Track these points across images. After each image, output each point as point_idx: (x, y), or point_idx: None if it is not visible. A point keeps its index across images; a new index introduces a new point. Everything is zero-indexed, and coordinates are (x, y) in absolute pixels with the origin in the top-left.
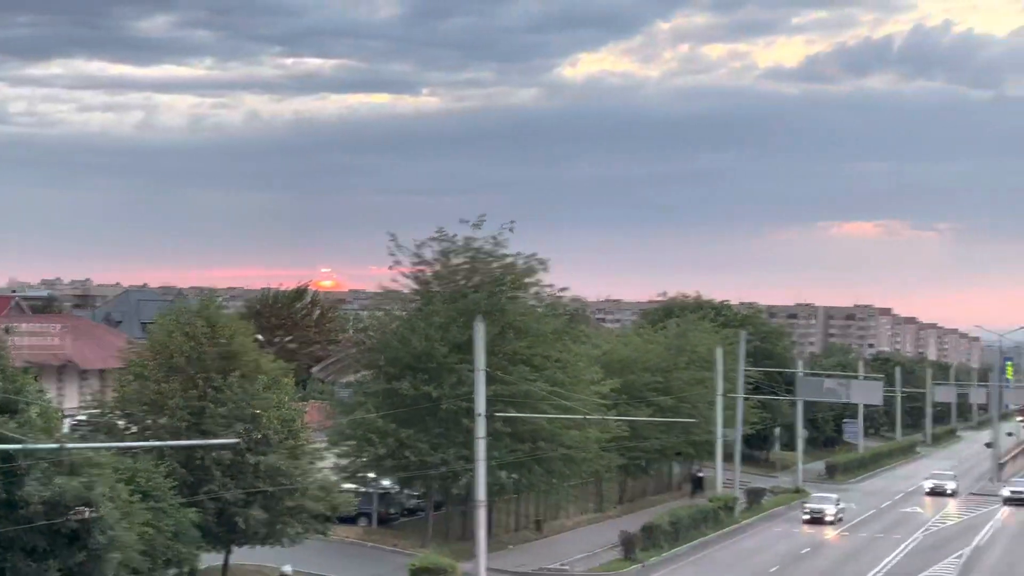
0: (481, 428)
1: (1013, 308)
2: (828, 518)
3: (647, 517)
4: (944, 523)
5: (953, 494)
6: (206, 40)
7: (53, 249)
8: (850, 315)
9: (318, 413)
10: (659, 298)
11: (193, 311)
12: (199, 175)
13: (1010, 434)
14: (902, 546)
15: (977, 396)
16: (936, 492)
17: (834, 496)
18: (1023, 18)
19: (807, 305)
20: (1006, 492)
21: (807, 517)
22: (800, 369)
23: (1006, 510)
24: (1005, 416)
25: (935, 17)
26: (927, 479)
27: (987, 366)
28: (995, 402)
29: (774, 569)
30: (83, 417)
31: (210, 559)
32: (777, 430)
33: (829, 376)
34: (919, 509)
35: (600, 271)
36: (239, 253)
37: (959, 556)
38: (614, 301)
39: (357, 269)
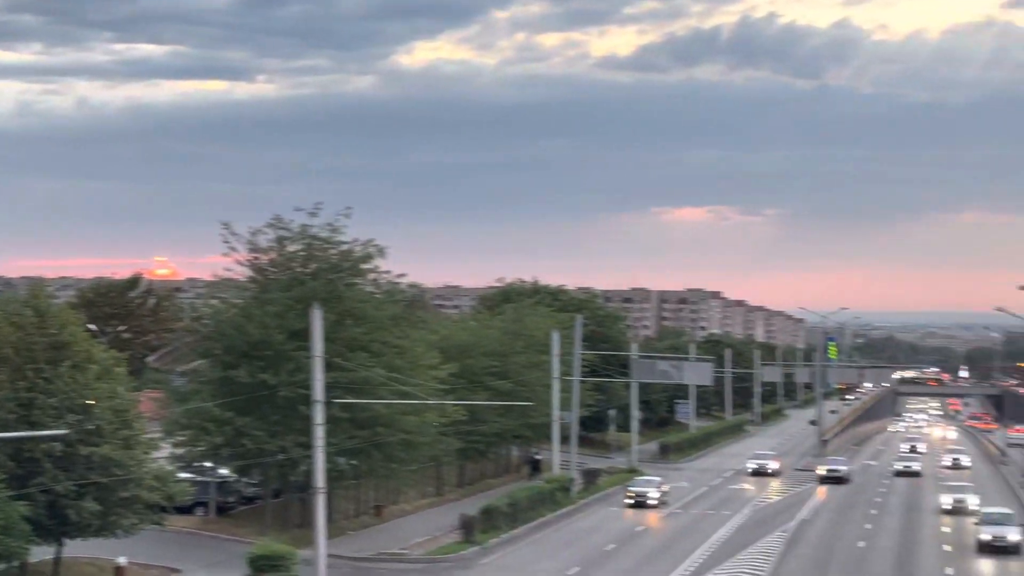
0: (319, 415)
1: (835, 290)
2: (651, 501)
3: (486, 500)
4: (770, 499)
5: (775, 474)
6: (33, 25)
7: None
8: (683, 299)
9: (153, 403)
10: (497, 284)
11: (21, 301)
12: (27, 162)
13: (833, 412)
14: (732, 522)
15: (802, 375)
16: (759, 472)
17: (657, 479)
18: (843, 11)
19: (641, 289)
20: (822, 471)
21: (630, 501)
22: (634, 352)
23: (823, 488)
24: (828, 394)
25: (761, 9)
26: (750, 460)
27: (811, 346)
28: (819, 381)
29: (611, 547)
30: None
31: (41, 552)
32: (612, 412)
33: (662, 358)
34: (747, 486)
35: (440, 257)
36: (71, 242)
37: (785, 530)
38: (453, 287)
39: (194, 258)
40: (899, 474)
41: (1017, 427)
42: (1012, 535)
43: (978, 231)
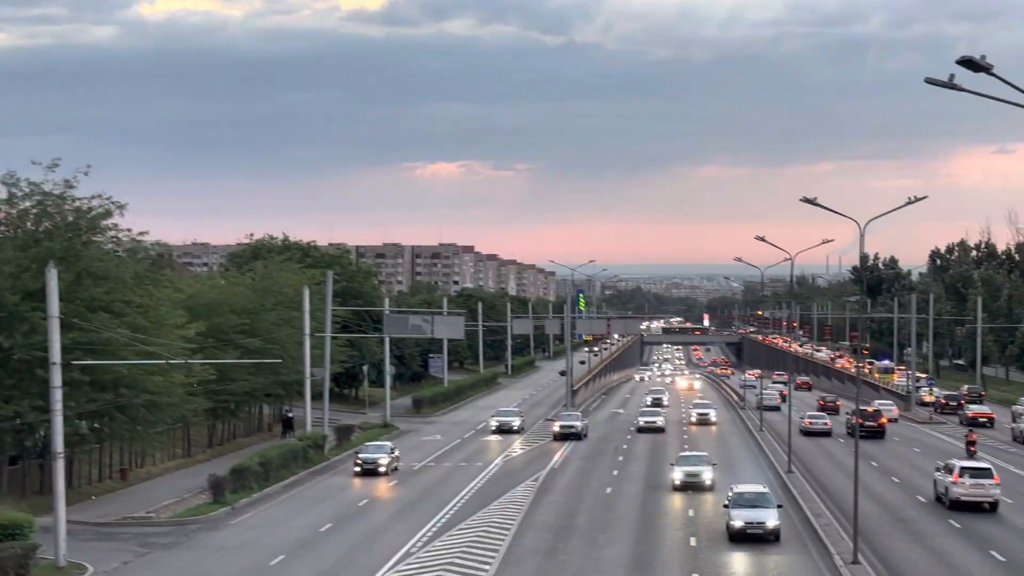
0: (56, 377)
1: (585, 243)
2: (381, 468)
3: (237, 459)
4: (519, 451)
5: (520, 430)
6: None
7: None
8: (436, 253)
9: None
10: (246, 240)
11: None
12: None
13: (583, 362)
14: (485, 472)
15: (553, 327)
16: (502, 430)
17: (388, 444)
18: None
19: (394, 245)
20: (555, 428)
21: (358, 469)
22: (387, 307)
23: (559, 445)
24: (578, 346)
25: None
26: (493, 417)
27: (562, 299)
28: (568, 333)
29: (364, 503)
30: None
31: None
32: (366, 367)
33: (414, 313)
34: (498, 438)
35: (186, 214)
36: None
37: (536, 479)
38: (201, 244)
39: None
40: (641, 430)
41: (752, 371)
42: (770, 520)
43: (719, 184)
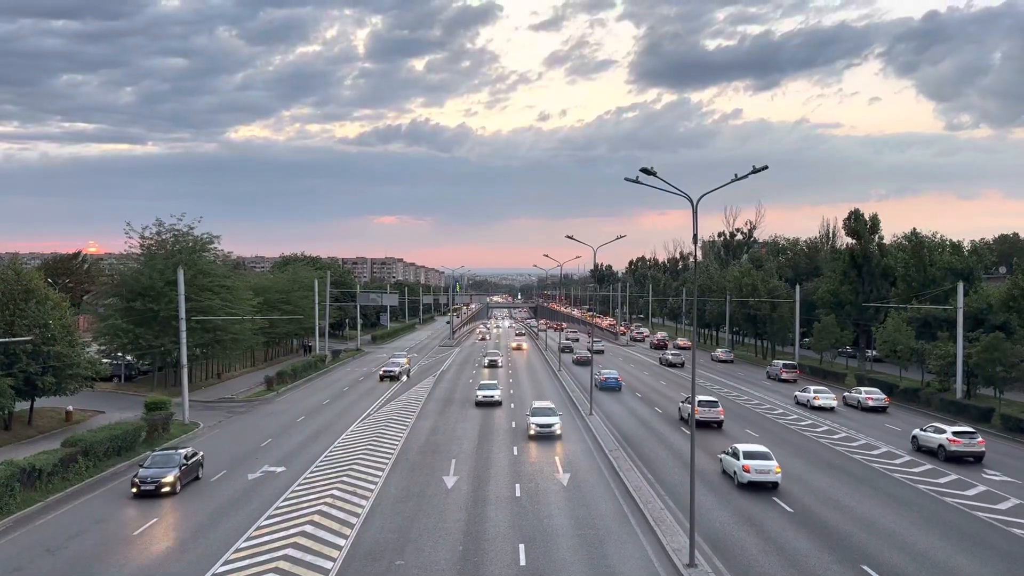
0: (183, 325)
1: (460, 257)
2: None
3: (279, 368)
4: (421, 363)
5: (401, 375)
6: (13, 112)
7: None
8: (383, 262)
9: (87, 321)
10: (283, 255)
11: (6, 265)
12: (9, 188)
13: (456, 317)
14: (415, 366)
15: (442, 299)
16: (388, 376)
17: (403, 355)
18: None
19: (361, 257)
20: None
21: (382, 373)
22: (358, 289)
23: (449, 352)
24: (455, 309)
25: None
26: (391, 359)
27: (447, 285)
28: (450, 301)
29: (346, 388)
30: None
31: (23, 406)
32: (347, 320)
33: (373, 291)
34: (415, 354)
35: (250, 241)
36: (35, 230)
37: (434, 375)
38: (259, 256)
39: (112, 239)
40: (488, 367)
41: (543, 320)
42: (556, 427)
43: (526, 228)
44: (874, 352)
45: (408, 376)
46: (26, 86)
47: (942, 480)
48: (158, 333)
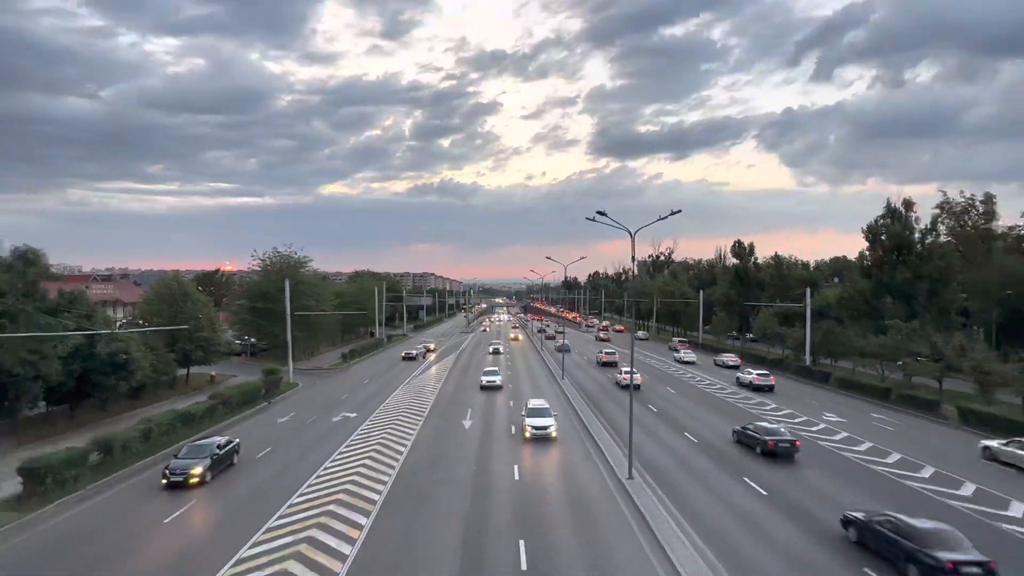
0: (288, 320)
1: (469, 271)
2: (417, 351)
3: (352, 347)
4: (437, 351)
5: (431, 352)
6: (173, 175)
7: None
8: (419, 275)
9: (225, 315)
10: (354, 270)
11: (170, 278)
12: (179, 227)
13: (472, 311)
14: (446, 339)
15: (460, 302)
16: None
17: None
18: None
19: (405, 272)
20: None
21: (412, 353)
22: (404, 293)
23: (465, 336)
24: (485, 311)
25: None
26: (418, 344)
27: (465, 291)
28: (469, 303)
29: (395, 362)
30: (124, 320)
31: (182, 372)
32: (395, 315)
33: (413, 294)
34: (443, 337)
35: (335, 261)
36: (185, 255)
37: (458, 350)
38: (337, 271)
39: (242, 259)
40: (492, 353)
41: (531, 314)
42: (552, 429)
43: (519, 253)
44: (751, 335)
45: (424, 357)
46: (185, 159)
47: (742, 396)
48: (272, 323)
